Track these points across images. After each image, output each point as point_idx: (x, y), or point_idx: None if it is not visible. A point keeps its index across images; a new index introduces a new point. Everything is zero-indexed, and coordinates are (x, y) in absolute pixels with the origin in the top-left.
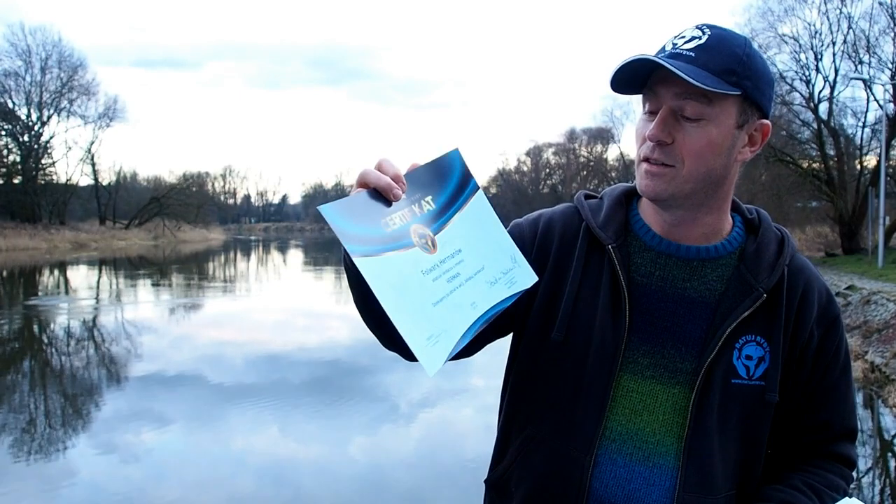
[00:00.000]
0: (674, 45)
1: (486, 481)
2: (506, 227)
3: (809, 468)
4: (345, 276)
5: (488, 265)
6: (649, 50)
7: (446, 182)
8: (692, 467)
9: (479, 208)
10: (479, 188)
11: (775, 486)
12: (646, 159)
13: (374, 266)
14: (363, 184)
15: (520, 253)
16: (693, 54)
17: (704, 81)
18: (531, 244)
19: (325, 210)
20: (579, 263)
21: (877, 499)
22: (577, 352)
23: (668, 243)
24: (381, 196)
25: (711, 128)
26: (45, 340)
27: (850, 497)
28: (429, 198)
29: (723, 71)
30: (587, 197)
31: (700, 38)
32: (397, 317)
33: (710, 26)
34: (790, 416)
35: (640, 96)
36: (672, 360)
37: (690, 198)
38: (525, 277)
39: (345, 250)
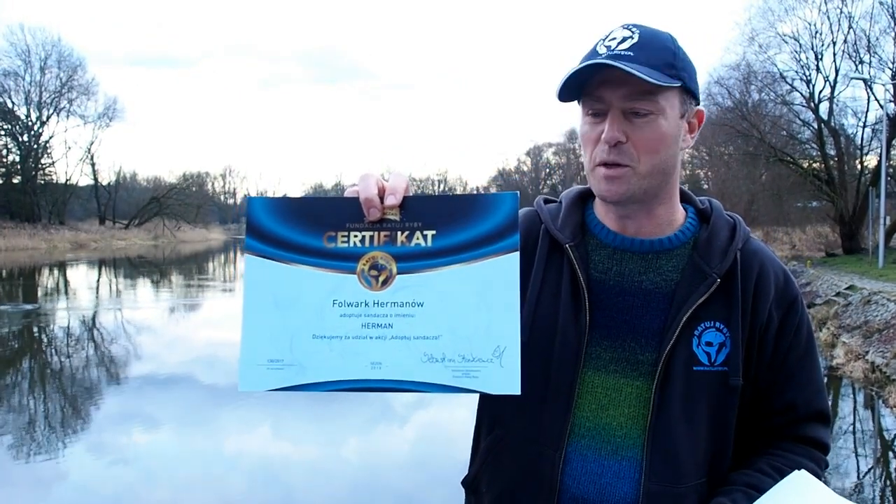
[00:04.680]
0: (608, 47)
1: (462, 482)
2: None
3: (776, 451)
4: None
5: (450, 339)
6: (577, 55)
7: (471, 224)
8: (657, 457)
9: (497, 272)
10: (516, 250)
11: (741, 471)
12: (602, 164)
13: (264, 269)
14: (357, 189)
15: (516, 356)
16: (632, 53)
17: (654, 77)
18: None
19: (255, 203)
20: (540, 265)
21: (877, 499)
22: (542, 351)
23: (622, 238)
24: (362, 208)
25: (661, 121)
26: (40, 341)
27: (800, 470)
28: (430, 232)
29: (663, 65)
30: (546, 201)
31: (632, 37)
32: (250, 325)
33: (636, 25)
34: (756, 400)
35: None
36: (633, 353)
37: (647, 192)
38: (497, 382)
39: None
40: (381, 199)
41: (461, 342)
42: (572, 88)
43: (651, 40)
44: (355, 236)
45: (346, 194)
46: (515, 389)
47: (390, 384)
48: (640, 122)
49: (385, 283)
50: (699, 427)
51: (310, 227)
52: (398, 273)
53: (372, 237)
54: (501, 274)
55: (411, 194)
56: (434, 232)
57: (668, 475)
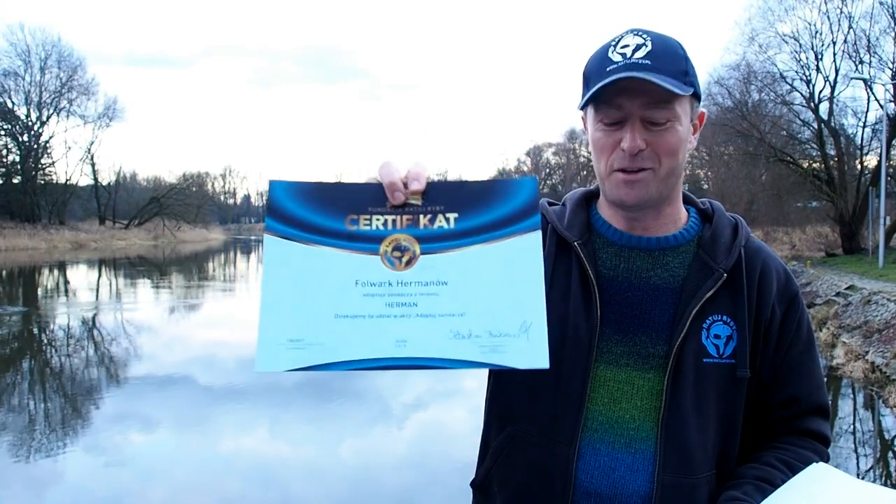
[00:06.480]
0: (622, 55)
1: (471, 484)
2: None
3: (782, 445)
4: None
5: (476, 316)
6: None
7: (492, 207)
8: (670, 448)
9: (520, 251)
10: (537, 229)
11: (749, 465)
12: (621, 169)
13: (285, 249)
14: (380, 174)
15: (543, 330)
16: (650, 62)
17: (677, 87)
18: None
19: (277, 186)
20: (548, 263)
21: None
22: (554, 347)
23: (629, 237)
24: (383, 194)
25: (678, 127)
26: (39, 342)
27: (817, 462)
28: (452, 215)
29: (679, 73)
30: (550, 204)
31: (645, 45)
32: (270, 305)
33: (644, 31)
34: (759, 393)
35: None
36: (644, 347)
37: (661, 194)
38: (525, 356)
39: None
40: (404, 184)
41: (487, 318)
42: (598, 89)
43: (664, 48)
44: (377, 219)
45: (366, 181)
46: (544, 363)
47: (416, 361)
48: (658, 129)
49: (409, 263)
50: (709, 418)
51: (332, 209)
52: (421, 254)
53: (395, 220)
54: (525, 251)
55: (432, 180)
56: (456, 214)
57: (681, 466)
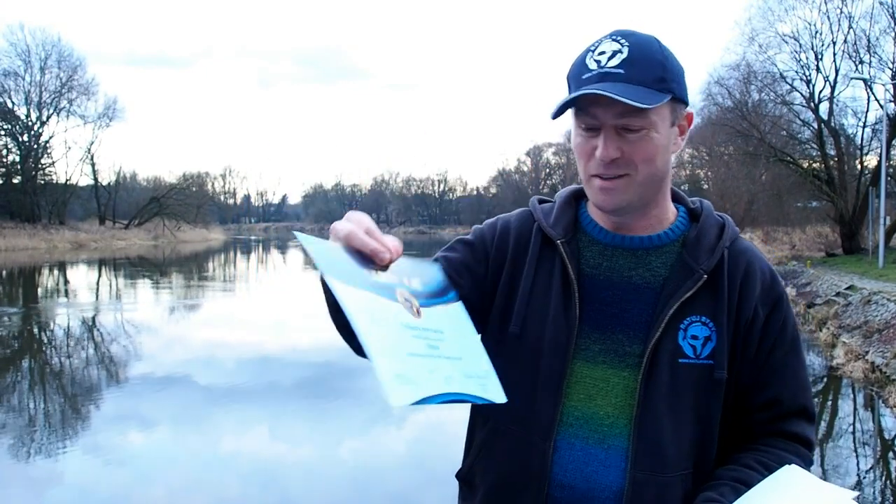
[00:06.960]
0: (598, 62)
1: (456, 475)
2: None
3: (763, 447)
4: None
5: (467, 360)
6: (577, 55)
7: (429, 279)
8: (643, 446)
9: (459, 313)
10: (459, 300)
11: (728, 466)
12: (598, 175)
13: (351, 294)
14: (346, 243)
15: (494, 373)
16: (623, 71)
17: (646, 100)
18: (490, 245)
19: (308, 240)
20: (532, 260)
21: (877, 499)
22: (533, 343)
23: (613, 236)
24: (365, 256)
25: (654, 134)
26: (39, 342)
27: (790, 465)
28: (416, 280)
29: (654, 81)
30: (541, 202)
31: (621, 51)
32: (371, 341)
33: (623, 35)
34: (741, 395)
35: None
36: (621, 345)
37: (642, 199)
38: (495, 391)
39: (321, 273)
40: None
41: (473, 363)
42: (564, 104)
43: (640, 53)
44: (381, 275)
45: (332, 239)
46: (504, 398)
47: (457, 396)
48: (633, 137)
49: (418, 312)
50: (684, 418)
51: (353, 265)
52: (419, 306)
53: (388, 276)
54: (462, 316)
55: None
56: (419, 279)
57: (653, 464)
